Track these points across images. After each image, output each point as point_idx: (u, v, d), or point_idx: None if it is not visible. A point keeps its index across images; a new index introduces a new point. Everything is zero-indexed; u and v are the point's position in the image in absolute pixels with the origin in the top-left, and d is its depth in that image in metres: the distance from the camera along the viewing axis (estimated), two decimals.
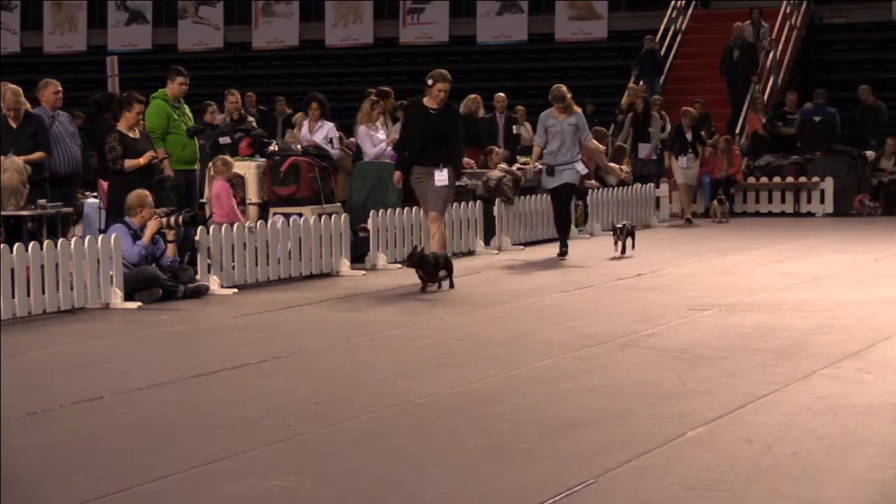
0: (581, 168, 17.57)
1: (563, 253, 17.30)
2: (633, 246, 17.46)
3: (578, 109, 17.70)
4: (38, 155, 14.33)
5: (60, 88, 15.23)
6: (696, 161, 23.76)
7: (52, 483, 6.62)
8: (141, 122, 14.91)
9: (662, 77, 28.26)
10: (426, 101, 14.69)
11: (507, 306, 12.89)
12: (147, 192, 13.76)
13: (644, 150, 24.95)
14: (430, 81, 14.67)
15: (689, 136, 23.59)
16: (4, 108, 14.60)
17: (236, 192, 16.38)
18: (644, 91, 26.07)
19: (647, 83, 27.81)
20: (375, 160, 17.97)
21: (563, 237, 17.56)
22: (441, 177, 14.50)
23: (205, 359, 10.11)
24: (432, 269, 13.88)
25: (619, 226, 17.54)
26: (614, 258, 16.97)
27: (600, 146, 19.64)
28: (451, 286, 14.02)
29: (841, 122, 26.04)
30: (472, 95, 22.84)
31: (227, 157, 16.43)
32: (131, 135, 14.31)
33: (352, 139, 18.84)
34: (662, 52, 28.39)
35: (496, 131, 22.44)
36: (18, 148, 14.18)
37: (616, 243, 17.26)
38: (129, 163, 14.09)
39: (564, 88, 17.43)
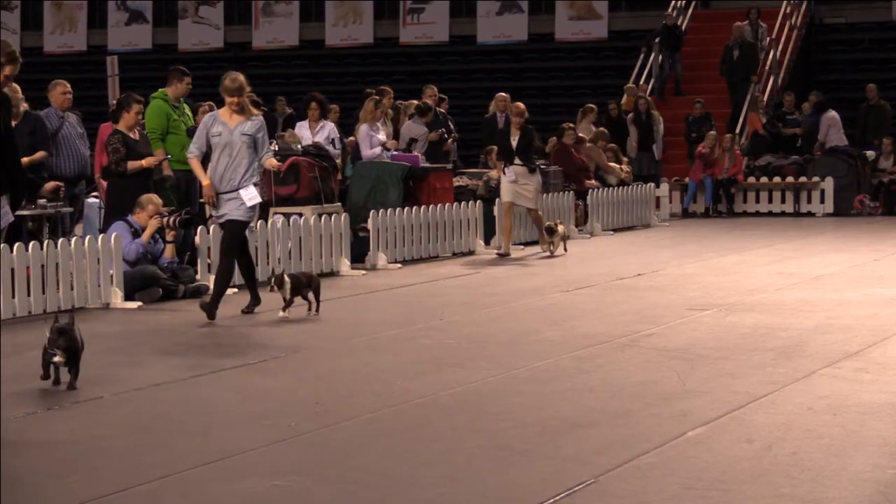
0: (250, 196, 12.10)
1: (250, 307, 12.49)
2: (318, 308, 12.33)
3: (258, 112, 12.40)
4: (39, 155, 14.32)
5: (69, 89, 15.25)
6: (530, 176, 17.86)
7: (52, 483, 6.62)
8: (140, 122, 14.91)
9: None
10: None
11: (507, 306, 12.89)
12: (156, 196, 13.81)
13: (655, 150, 25.10)
14: None
15: (513, 140, 17.80)
16: None
17: None
18: (615, 105, 26.09)
19: (666, 60, 27.92)
20: (376, 160, 17.98)
21: (251, 286, 12.62)
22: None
23: (205, 359, 10.11)
24: None
25: (280, 273, 12.48)
26: (283, 318, 12.10)
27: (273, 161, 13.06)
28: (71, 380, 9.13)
29: (842, 122, 26.09)
30: (500, 94, 22.68)
31: None
32: (132, 136, 14.31)
33: (351, 138, 18.83)
34: (661, 56, 28.38)
35: (496, 131, 22.38)
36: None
37: (284, 297, 12.20)
38: (132, 164, 14.08)
39: (243, 79, 12.21)
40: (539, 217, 18.12)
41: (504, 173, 17.89)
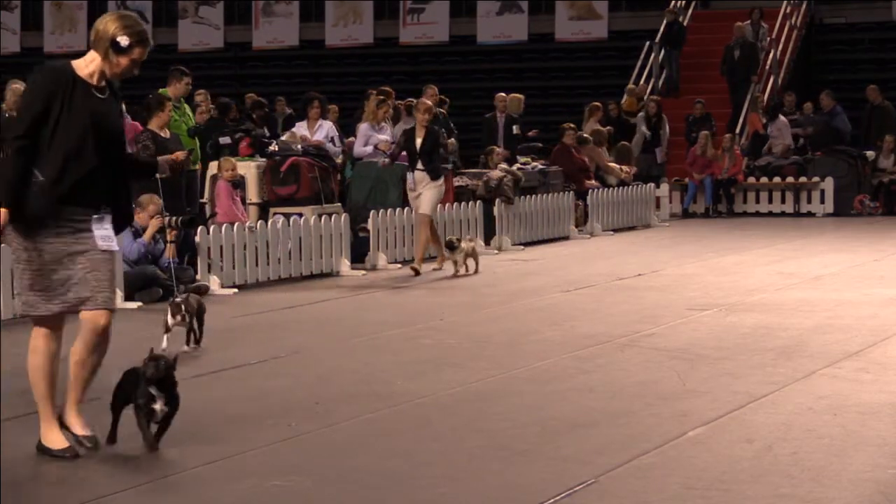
0: None
1: None
2: (199, 338, 10.50)
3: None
4: None
5: None
6: (433, 184, 15.76)
7: (51, 483, 6.62)
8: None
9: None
10: (82, 65, 7.13)
11: (507, 306, 12.89)
12: (155, 195, 13.81)
13: (658, 153, 25.11)
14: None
15: (418, 142, 15.78)
16: (6, 108, 14.61)
17: (237, 192, 16.39)
18: (616, 104, 26.08)
19: (667, 59, 27.95)
20: (376, 161, 17.97)
21: None
22: (104, 232, 7.13)
23: (205, 359, 10.10)
24: None
25: (179, 299, 10.42)
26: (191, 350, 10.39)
27: None
28: None
29: (843, 122, 26.11)
30: (517, 95, 22.83)
31: (230, 159, 16.51)
32: (163, 134, 14.34)
33: (351, 139, 18.83)
34: (662, 53, 28.40)
35: (496, 131, 22.43)
36: None
37: (169, 325, 10.36)
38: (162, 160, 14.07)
39: None
40: (429, 226, 15.92)
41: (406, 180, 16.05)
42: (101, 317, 7.11)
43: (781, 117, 25.76)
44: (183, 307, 10.34)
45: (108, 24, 7.03)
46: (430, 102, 16.49)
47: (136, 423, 7.10)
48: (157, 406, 7.11)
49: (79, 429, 7.10)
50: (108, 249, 7.08)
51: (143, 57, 7.18)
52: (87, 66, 7.06)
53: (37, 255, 6.94)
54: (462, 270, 15.46)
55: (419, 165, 15.72)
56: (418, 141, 15.75)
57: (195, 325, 10.46)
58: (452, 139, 18.31)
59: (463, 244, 15.53)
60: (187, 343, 10.41)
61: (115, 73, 7.10)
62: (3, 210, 6.79)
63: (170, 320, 10.32)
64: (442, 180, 16.02)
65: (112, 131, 7.13)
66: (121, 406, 7.28)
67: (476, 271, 15.57)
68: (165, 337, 10.32)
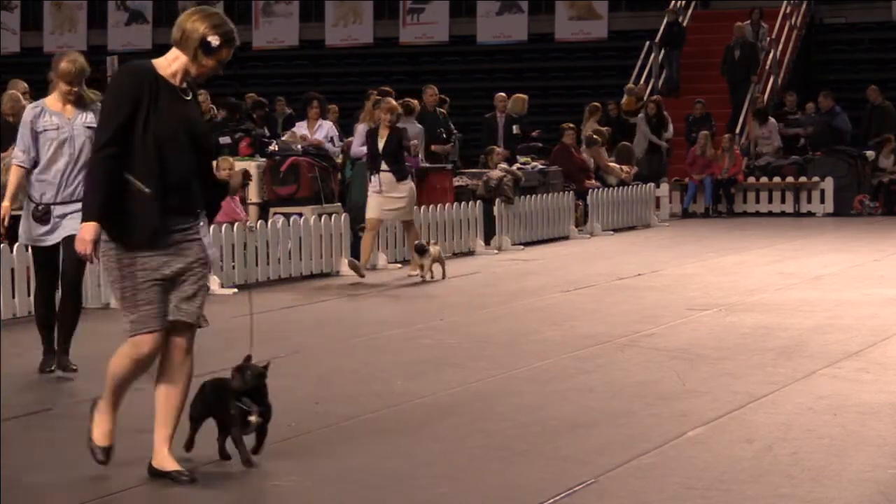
0: None
1: (52, 364, 9.49)
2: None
3: (97, 97, 9.33)
4: None
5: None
6: (399, 185, 15.20)
7: (52, 483, 6.62)
8: None
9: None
10: (164, 64, 6.66)
11: (507, 306, 12.89)
12: None
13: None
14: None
15: (381, 143, 15.23)
16: (4, 112, 14.60)
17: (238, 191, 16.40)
18: (615, 104, 26.09)
19: (667, 59, 27.97)
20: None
21: (51, 338, 9.58)
22: (208, 240, 7.15)
23: (205, 359, 10.07)
24: None
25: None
26: None
27: None
28: None
29: (843, 121, 26.12)
30: (520, 95, 22.96)
31: (228, 158, 16.51)
32: None
33: (350, 139, 18.83)
34: (662, 53, 28.41)
35: (496, 131, 22.43)
36: None
37: None
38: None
39: (84, 61, 9.35)
40: (415, 233, 15.55)
41: (370, 182, 15.34)
42: (187, 330, 6.85)
43: (772, 119, 25.75)
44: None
45: (195, 23, 6.54)
46: (394, 102, 15.94)
47: (232, 438, 6.84)
48: (252, 419, 6.81)
49: (172, 465, 6.64)
50: (207, 260, 6.77)
51: (229, 57, 6.72)
52: (170, 65, 6.60)
53: (138, 270, 6.55)
54: (428, 276, 14.86)
55: (383, 166, 15.15)
56: (381, 142, 15.20)
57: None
58: (416, 141, 18.23)
59: (433, 249, 15.01)
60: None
61: (201, 73, 6.65)
62: (93, 224, 6.41)
63: None
64: (409, 180, 15.46)
65: (201, 136, 6.75)
66: (201, 417, 6.95)
67: (443, 276, 15.01)
68: None
